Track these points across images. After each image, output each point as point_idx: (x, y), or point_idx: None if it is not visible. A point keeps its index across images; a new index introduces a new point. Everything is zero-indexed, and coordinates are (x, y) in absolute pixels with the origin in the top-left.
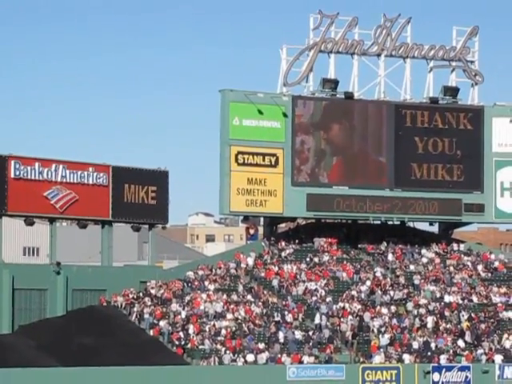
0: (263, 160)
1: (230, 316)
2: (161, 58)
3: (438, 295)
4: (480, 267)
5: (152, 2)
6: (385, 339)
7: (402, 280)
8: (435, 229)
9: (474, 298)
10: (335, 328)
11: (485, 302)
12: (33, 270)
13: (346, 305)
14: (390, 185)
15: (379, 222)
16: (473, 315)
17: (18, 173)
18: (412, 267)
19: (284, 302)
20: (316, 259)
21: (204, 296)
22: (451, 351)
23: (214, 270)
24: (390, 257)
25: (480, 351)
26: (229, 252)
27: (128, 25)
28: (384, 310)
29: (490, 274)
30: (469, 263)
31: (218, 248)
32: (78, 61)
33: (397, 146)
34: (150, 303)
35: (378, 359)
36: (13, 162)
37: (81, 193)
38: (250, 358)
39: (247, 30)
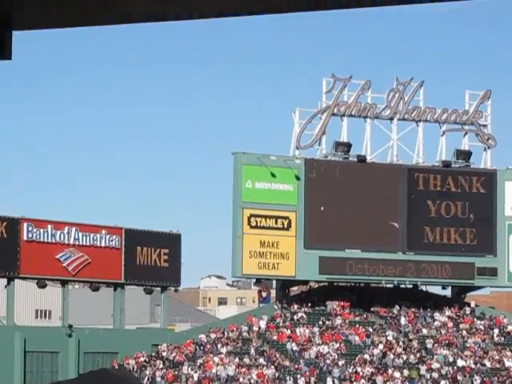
0: (276, 223)
1: (242, 379)
2: (175, 120)
3: (451, 359)
4: (493, 331)
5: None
6: None
7: (414, 344)
8: (448, 292)
9: (487, 363)
10: None
11: (498, 366)
12: (45, 332)
13: (359, 368)
14: (402, 248)
15: (392, 286)
16: (486, 380)
17: (30, 235)
18: (425, 331)
19: (296, 366)
20: (328, 322)
21: (216, 359)
22: None
23: (226, 333)
24: (403, 320)
25: None
26: (241, 315)
27: (144, 88)
28: (396, 374)
29: (503, 339)
30: (482, 327)
31: (231, 311)
32: (90, 121)
33: (410, 209)
34: (161, 366)
35: None
36: (25, 225)
37: (93, 255)
38: None
39: (260, 93)
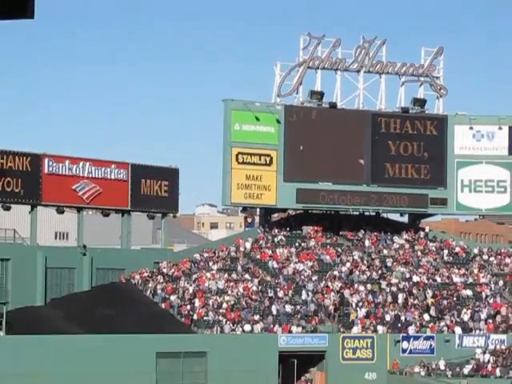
0: (259, 159)
1: (230, 292)
2: (176, 72)
3: (407, 275)
4: (443, 252)
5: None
6: (362, 313)
7: (376, 262)
8: (405, 219)
9: (438, 278)
10: (319, 303)
11: (447, 281)
12: (63, 251)
13: (329, 283)
14: (367, 181)
15: (357, 213)
16: (436, 293)
17: (50, 169)
18: (385, 251)
19: (276, 281)
20: (304, 244)
21: (208, 275)
22: (418, 323)
23: (216, 253)
24: (367, 242)
25: (442, 323)
26: (230, 237)
27: (152, 43)
28: (361, 288)
29: (451, 258)
30: (433, 248)
31: (221, 234)
32: (104, 74)
33: (373, 148)
34: (162, 280)
35: (355, 330)
36: (46, 160)
37: (104, 186)
38: (247, 327)
39: (247, 49)
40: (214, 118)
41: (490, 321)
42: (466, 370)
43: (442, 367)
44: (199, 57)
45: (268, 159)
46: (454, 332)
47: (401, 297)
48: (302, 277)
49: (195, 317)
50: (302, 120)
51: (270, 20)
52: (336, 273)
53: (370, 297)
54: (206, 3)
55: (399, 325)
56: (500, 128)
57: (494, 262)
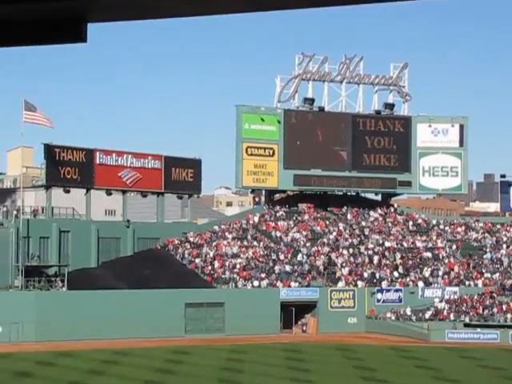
0: (264, 152)
1: (242, 255)
2: (200, 85)
3: (381, 242)
4: (409, 223)
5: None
6: (345, 271)
7: (356, 231)
8: (379, 198)
9: (405, 244)
10: (312, 263)
11: (412, 246)
12: (111, 225)
13: (320, 248)
14: (349, 168)
15: (341, 193)
16: (404, 255)
17: (101, 160)
18: (363, 223)
19: (278, 246)
20: (299, 218)
21: (225, 242)
22: (389, 279)
23: (231, 225)
24: (349, 216)
25: (408, 279)
26: (241, 213)
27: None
28: (345, 252)
29: (415, 228)
30: (401, 220)
31: (234, 210)
32: (143, 86)
33: (353, 142)
34: (189, 247)
35: (340, 284)
36: (98, 153)
37: (143, 173)
38: (256, 283)
39: (255, 65)
40: (229, 119)
41: (446, 276)
42: (427, 315)
43: (409, 313)
44: (218, 72)
45: (271, 151)
46: (417, 285)
47: (376, 258)
48: (299, 243)
49: (215, 275)
50: (297, 121)
51: (272, 42)
52: (325, 240)
53: (351, 258)
54: (227, 32)
55: (374, 280)
56: (453, 126)
57: (449, 230)
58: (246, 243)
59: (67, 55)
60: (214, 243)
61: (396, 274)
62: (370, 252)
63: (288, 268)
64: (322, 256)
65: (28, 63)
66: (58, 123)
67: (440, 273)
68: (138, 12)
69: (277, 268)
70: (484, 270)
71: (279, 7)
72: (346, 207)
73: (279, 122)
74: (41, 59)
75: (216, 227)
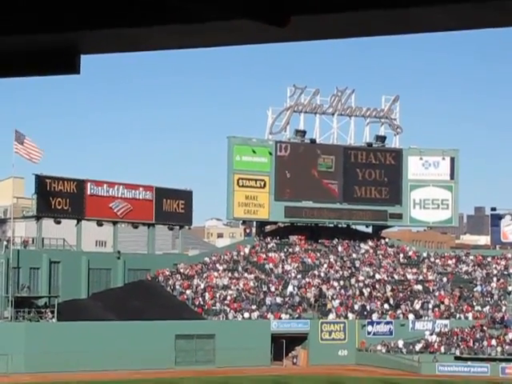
0: (256, 183)
1: (233, 287)
2: (191, 117)
3: (372, 274)
4: (399, 255)
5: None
6: (336, 303)
7: (347, 264)
8: (370, 230)
9: (395, 276)
10: (303, 295)
11: (402, 278)
12: (102, 256)
13: (310, 280)
14: (340, 200)
15: (332, 225)
16: (394, 287)
17: (92, 191)
18: (354, 255)
19: (269, 278)
20: (290, 249)
21: (216, 274)
22: (380, 311)
23: (222, 257)
24: (340, 248)
25: (399, 311)
26: (232, 244)
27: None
28: (335, 284)
29: (406, 260)
30: (392, 253)
31: (225, 242)
32: (133, 118)
33: (344, 174)
34: (179, 278)
35: (331, 316)
36: (89, 184)
37: (134, 205)
38: (246, 315)
39: (247, 98)
40: (220, 150)
41: (436, 309)
42: (418, 347)
43: (400, 345)
44: (210, 104)
45: (262, 183)
46: (407, 318)
47: (366, 291)
48: (289, 275)
49: (206, 307)
50: (288, 152)
51: (264, 75)
52: (316, 272)
53: (342, 291)
54: (219, 64)
55: (365, 312)
56: (443, 158)
57: (439, 263)
58: (236, 275)
59: (60, 85)
60: (205, 275)
61: (387, 306)
62: (361, 284)
63: (279, 300)
64: (313, 288)
65: (20, 93)
66: (49, 153)
67: (430, 305)
68: (132, 44)
69: (267, 300)
70: (474, 303)
71: (276, 40)
72: (336, 239)
73: (270, 153)
74: (33, 89)
75: (207, 259)
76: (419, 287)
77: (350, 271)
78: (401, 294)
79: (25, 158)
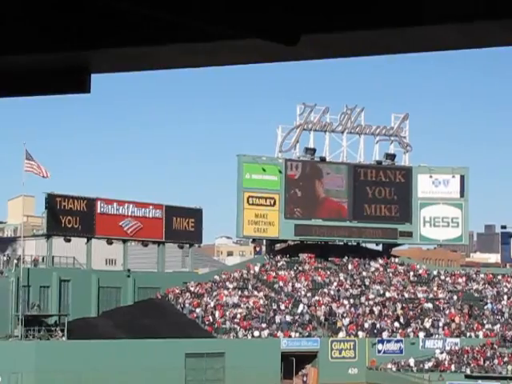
0: (265, 201)
1: (242, 305)
2: (201, 135)
3: (382, 292)
4: (409, 273)
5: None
6: (346, 321)
7: (357, 282)
8: (380, 248)
9: (406, 294)
10: (313, 314)
11: (412, 296)
12: (112, 274)
13: (320, 298)
14: (349, 218)
15: (342, 243)
16: (404, 306)
17: (102, 209)
18: (364, 273)
19: (279, 296)
20: (300, 268)
21: (226, 292)
22: (390, 330)
23: (232, 275)
24: (350, 266)
25: (409, 330)
26: (242, 263)
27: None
28: (345, 302)
29: (416, 278)
30: (402, 271)
31: (235, 260)
32: (145, 138)
33: (354, 192)
34: (189, 297)
35: (341, 335)
36: (99, 202)
37: (144, 223)
38: (256, 333)
39: (257, 116)
40: (230, 168)
41: (447, 327)
42: (428, 366)
43: (411, 364)
44: (220, 122)
45: (272, 201)
46: (418, 336)
47: (377, 309)
48: (299, 293)
49: (215, 325)
50: (298, 171)
51: (273, 92)
52: (326, 290)
53: (352, 309)
54: (228, 81)
55: (375, 331)
56: (453, 176)
57: (449, 281)
58: (246, 293)
59: (70, 104)
60: (215, 293)
61: (397, 324)
62: (371, 302)
63: (289, 318)
64: (323, 306)
65: (30, 111)
66: (59, 172)
67: (441, 324)
68: (144, 63)
69: (277, 318)
70: (485, 321)
71: (286, 59)
72: (346, 257)
73: (280, 171)
74: (43, 108)
75: (217, 277)
76: (429, 305)
77: (360, 289)
78: (411, 313)
79: (36, 174)
